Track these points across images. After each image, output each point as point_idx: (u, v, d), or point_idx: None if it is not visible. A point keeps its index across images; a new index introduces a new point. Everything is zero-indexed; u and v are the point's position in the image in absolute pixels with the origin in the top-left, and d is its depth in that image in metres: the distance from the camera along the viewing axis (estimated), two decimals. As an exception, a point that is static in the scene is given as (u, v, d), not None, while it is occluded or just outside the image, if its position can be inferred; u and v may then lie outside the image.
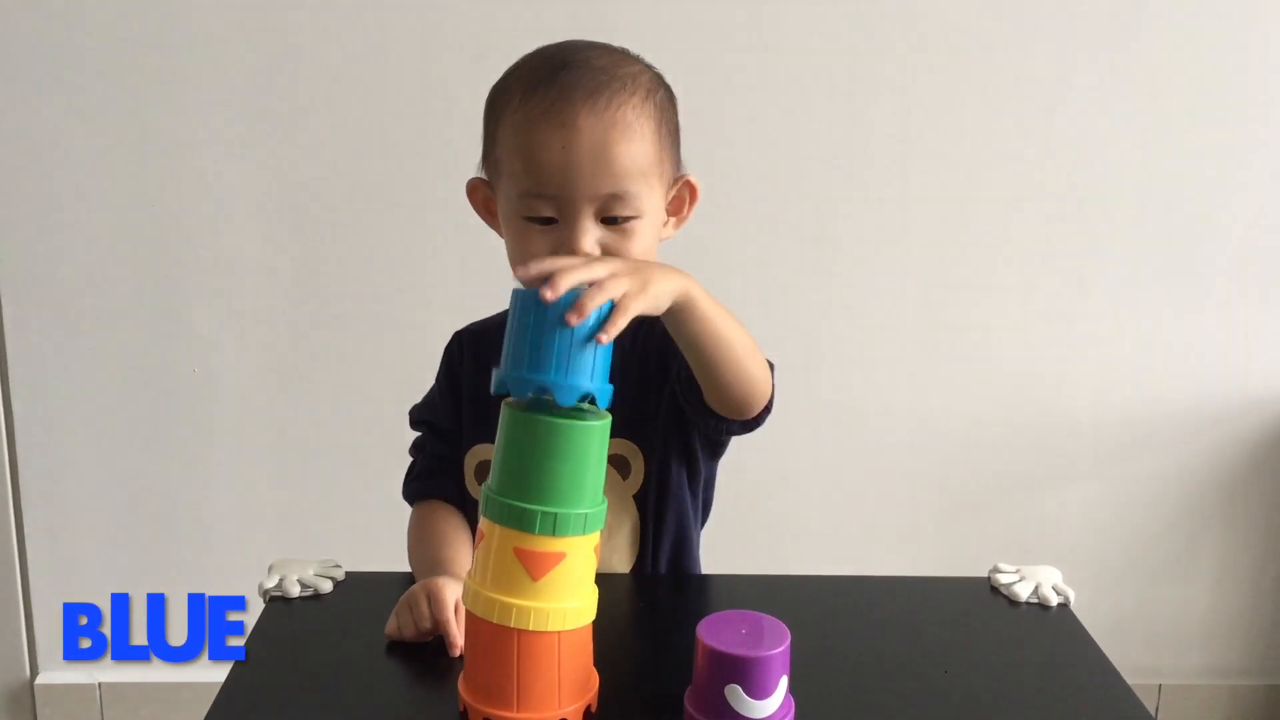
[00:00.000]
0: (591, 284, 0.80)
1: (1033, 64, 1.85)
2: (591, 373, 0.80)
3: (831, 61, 1.83)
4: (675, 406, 1.05)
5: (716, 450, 1.12)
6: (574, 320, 0.78)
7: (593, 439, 0.81)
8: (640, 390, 1.06)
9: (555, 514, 0.79)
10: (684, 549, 1.12)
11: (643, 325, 1.06)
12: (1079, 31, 1.84)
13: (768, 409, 1.01)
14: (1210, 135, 1.88)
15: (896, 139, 1.86)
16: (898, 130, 1.86)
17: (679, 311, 0.88)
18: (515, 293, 0.81)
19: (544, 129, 0.93)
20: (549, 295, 0.78)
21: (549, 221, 0.95)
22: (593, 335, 0.79)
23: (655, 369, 1.06)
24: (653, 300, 0.84)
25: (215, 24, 1.78)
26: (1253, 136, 1.89)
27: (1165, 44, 1.85)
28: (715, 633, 0.80)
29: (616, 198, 0.94)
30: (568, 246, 0.94)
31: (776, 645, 0.79)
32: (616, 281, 0.81)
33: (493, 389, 0.81)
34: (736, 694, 0.78)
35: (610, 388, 0.82)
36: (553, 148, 0.93)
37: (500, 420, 0.82)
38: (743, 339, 0.94)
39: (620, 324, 0.80)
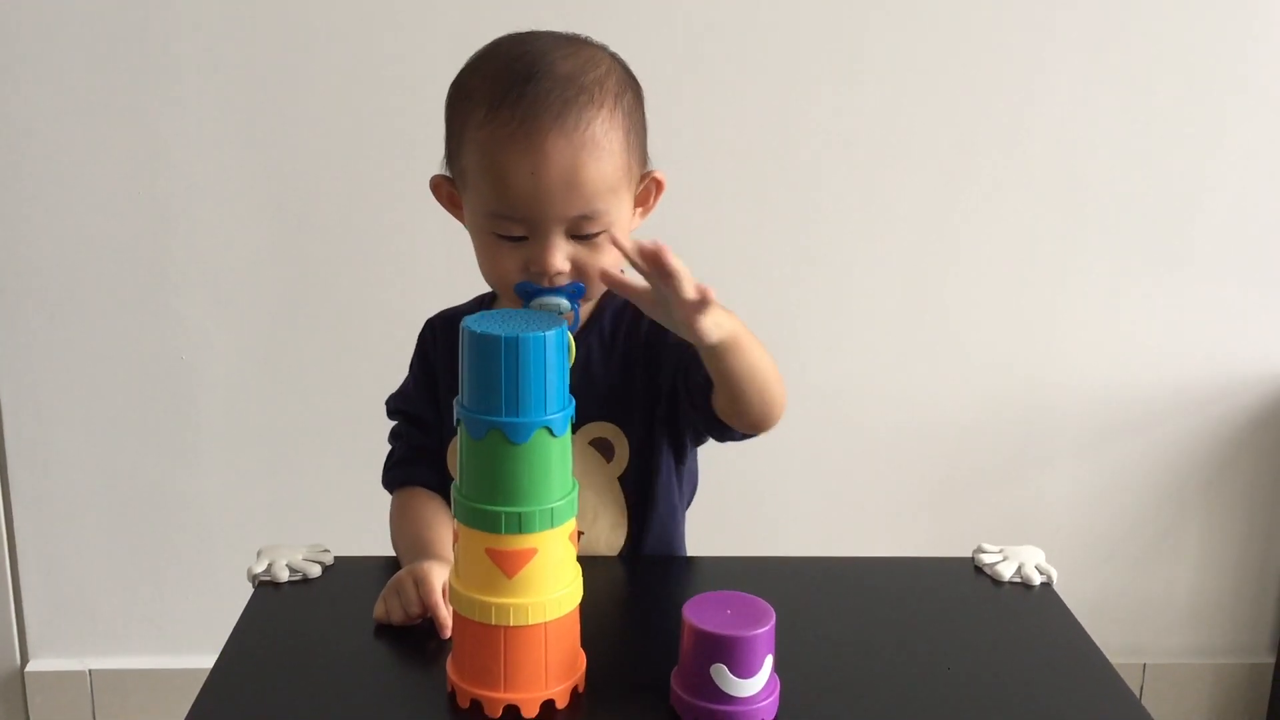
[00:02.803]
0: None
1: (1016, 50, 1.85)
2: (545, 404, 0.78)
3: (817, 51, 1.83)
4: (671, 401, 1.05)
5: (701, 440, 1.13)
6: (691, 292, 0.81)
7: (552, 443, 0.80)
8: (624, 375, 1.06)
9: (520, 513, 0.79)
10: (670, 530, 1.12)
11: (627, 311, 1.07)
12: (1062, 19, 1.84)
13: None
14: (1192, 120, 1.89)
15: (881, 127, 1.86)
16: (883, 118, 1.86)
17: (728, 350, 0.89)
18: (463, 330, 0.79)
19: (512, 153, 0.92)
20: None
21: (519, 239, 0.95)
22: (544, 368, 0.78)
23: (641, 357, 1.06)
24: (713, 322, 0.84)
25: (198, 10, 1.77)
26: (1234, 121, 1.90)
27: (1148, 30, 1.85)
28: (701, 613, 0.80)
29: (587, 218, 0.94)
30: (538, 264, 0.95)
31: (762, 625, 0.79)
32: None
33: (454, 421, 0.81)
34: (722, 673, 0.79)
35: (572, 405, 0.81)
36: (521, 172, 0.92)
37: (458, 426, 0.81)
38: (773, 370, 0.95)
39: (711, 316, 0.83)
